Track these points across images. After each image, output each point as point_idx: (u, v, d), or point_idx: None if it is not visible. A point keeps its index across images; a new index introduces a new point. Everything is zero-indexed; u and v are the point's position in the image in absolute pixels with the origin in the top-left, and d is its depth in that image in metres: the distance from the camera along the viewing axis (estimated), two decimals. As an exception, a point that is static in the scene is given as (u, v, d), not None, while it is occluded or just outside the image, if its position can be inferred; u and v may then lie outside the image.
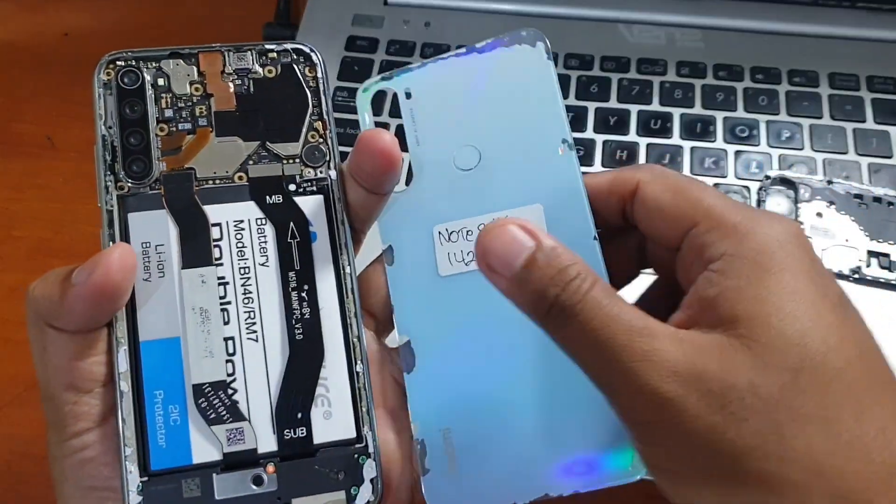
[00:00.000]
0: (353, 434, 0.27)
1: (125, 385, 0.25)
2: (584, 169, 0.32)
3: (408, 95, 0.31)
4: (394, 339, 0.29)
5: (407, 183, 0.30)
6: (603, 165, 0.45)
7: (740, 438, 0.22)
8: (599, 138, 0.45)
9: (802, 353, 0.22)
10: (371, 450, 0.27)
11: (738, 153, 0.45)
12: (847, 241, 0.41)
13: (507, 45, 0.30)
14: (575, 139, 0.46)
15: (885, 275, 0.40)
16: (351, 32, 0.50)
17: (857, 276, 0.40)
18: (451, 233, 0.29)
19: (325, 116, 0.29)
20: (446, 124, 0.30)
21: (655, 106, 0.46)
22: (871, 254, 0.40)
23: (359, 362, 0.27)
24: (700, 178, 0.42)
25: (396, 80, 0.31)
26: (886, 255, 0.40)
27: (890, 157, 0.44)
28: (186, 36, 0.55)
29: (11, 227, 0.48)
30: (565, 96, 0.47)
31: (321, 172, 0.28)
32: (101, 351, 0.26)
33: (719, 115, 0.46)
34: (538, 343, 0.27)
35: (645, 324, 0.23)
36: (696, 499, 0.24)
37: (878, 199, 0.42)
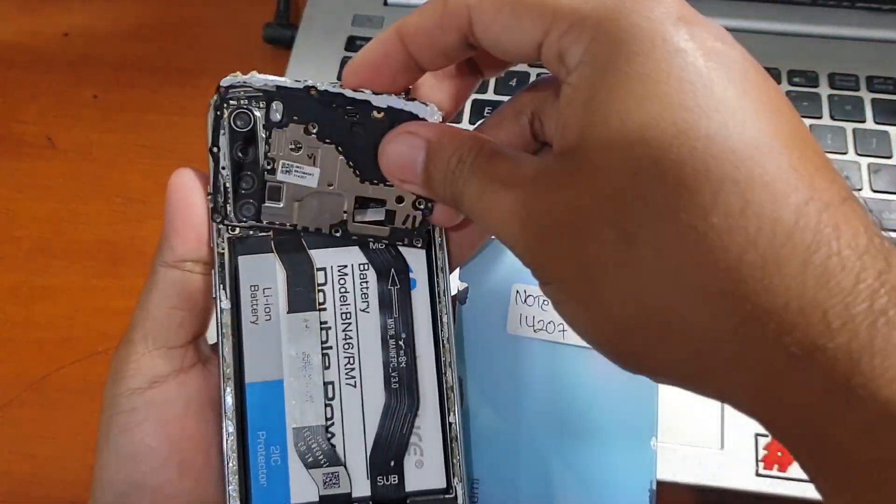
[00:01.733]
0: (444, 484, 0.27)
1: (231, 425, 0.26)
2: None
3: None
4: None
5: None
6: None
7: (589, 253, 0.20)
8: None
9: (641, 154, 0.19)
10: (460, 501, 0.27)
11: (737, 153, 0.45)
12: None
13: None
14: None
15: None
16: (351, 32, 0.50)
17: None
18: (529, 296, 0.30)
19: None
20: None
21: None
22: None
23: (452, 413, 0.27)
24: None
25: None
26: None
27: (890, 158, 0.44)
28: (187, 36, 0.56)
29: (11, 227, 0.48)
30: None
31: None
32: (197, 306, 0.27)
33: (719, 116, 0.46)
34: (580, 424, 0.29)
35: (506, 174, 0.22)
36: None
37: None
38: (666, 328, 0.20)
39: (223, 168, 0.26)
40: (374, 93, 0.25)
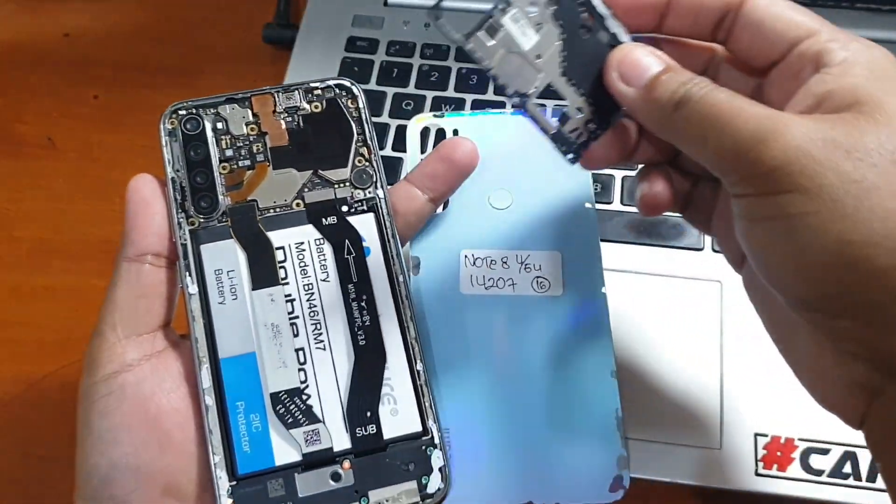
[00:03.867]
0: (420, 428, 0.29)
1: (210, 399, 0.28)
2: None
3: (454, 133, 0.35)
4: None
5: (444, 208, 0.34)
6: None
7: (866, 179, 0.23)
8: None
9: None
10: (437, 441, 0.29)
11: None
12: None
13: None
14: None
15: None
16: (351, 33, 0.50)
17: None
18: (477, 259, 0.33)
19: (370, 142, 0.31)
20: (486, 167, 0.33)
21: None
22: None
23: (418, 361, 0.29)
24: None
25: (447, 119, 0.35)
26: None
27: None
28: (187, 36, 0.56)
29: (11, 227, 0.48)
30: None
31: (370, 193, 0.31)
32: (161, 294, 0.29)
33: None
34: (540, 366, 0.32)
35: (770, 109, 0.24)
36: (807, 267, 0.24)
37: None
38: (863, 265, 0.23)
39: (178, 170, 0.30)
40: (613, 16, 0.27)
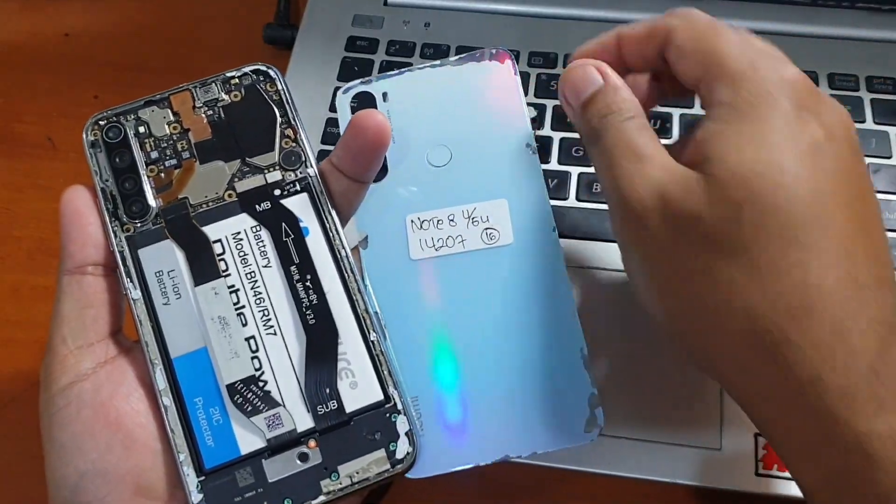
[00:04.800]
0: (381, 396, 0.29)
1: (167, 400, 0.28)
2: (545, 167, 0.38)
3: (384, 97, 0.34)
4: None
5: (382, 178, 0.33)
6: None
7: (684, 257, 0.26)
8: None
9: (749, 189, 0.25)
10: (400, 406, 0.29)
11: (737, 153, 0.45)
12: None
13: (477, 61, 0.34)
14: (576, 139, 0.46)
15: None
16: (351, 33, 0.50)
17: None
18: (423, 221, 0.33)
19: (294, 122, 0.32)
20: (421, 125, 0.33)
21: (656, 107, 0.46)
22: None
23: (372, 332, 0.30)
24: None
25: (375, 84, 0.34)
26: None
27: (889, 158, 0.44)
28: (187, 36, 0.56)
29: (11, 227, 0.48)
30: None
31: (301, 173, 0.31)
32: (106, 303, 0.29)
33: (719, 116, 0.46)
34: (500, 318, 0.32)
35: (646, 151, 0.28)
36: (653, 302, 0.28)
37: None
38: (716, 334, 0.26)
39: (106, 180, 0.30)
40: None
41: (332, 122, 0.46)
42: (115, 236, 0.30)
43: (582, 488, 0.38)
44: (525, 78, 0.47)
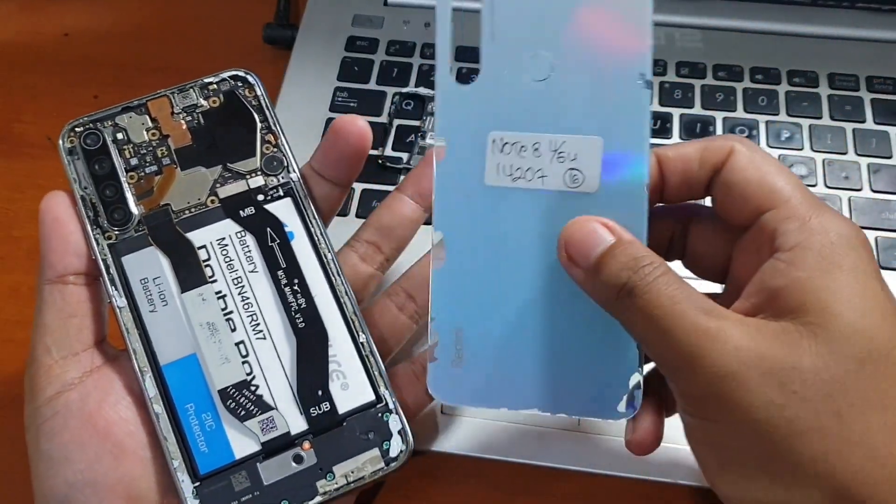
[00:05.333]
0: (373, 397, 0.29)
1: (158, 407, 0.28)
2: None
3: None
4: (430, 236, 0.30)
5: (468, 80, 0.29)
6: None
7: (798, 418, 0.22)
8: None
9: (870, 345, 0.23)
10: (392, 406, 0.29)
11: (737, 153, 0.45)
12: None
13: None
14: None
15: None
16: (351, 33, 0.50)
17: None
18: (505, 144, 0.29)
19: (274, 127, 0.31)
20: (527, 25, 0.28)
21: (655, 106, 0.46)
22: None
23: (361, 333, 0.30)
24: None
25: None
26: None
27: (889, 158, 0.44)
28: (187, 36, 0.56)
29: (11, 227, 0.48)
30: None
31: (283, 178, 0.31)
32: (89, 312, 0.29)
33: (719, 116, 0.46)
34: (560, 274, 0.28)
35: (712, 307, 0.24)
36: (743, 482, 0.24)
37: None
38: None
39: (85, 187, 0.30)
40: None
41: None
42: (98, 244, 0.29)
43: (582, 488, 0.38)
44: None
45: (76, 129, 0.30)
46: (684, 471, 0.36)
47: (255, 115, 0.31)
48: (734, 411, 0.23)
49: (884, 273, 0.27)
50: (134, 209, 0.30)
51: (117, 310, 0.29)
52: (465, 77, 0.29)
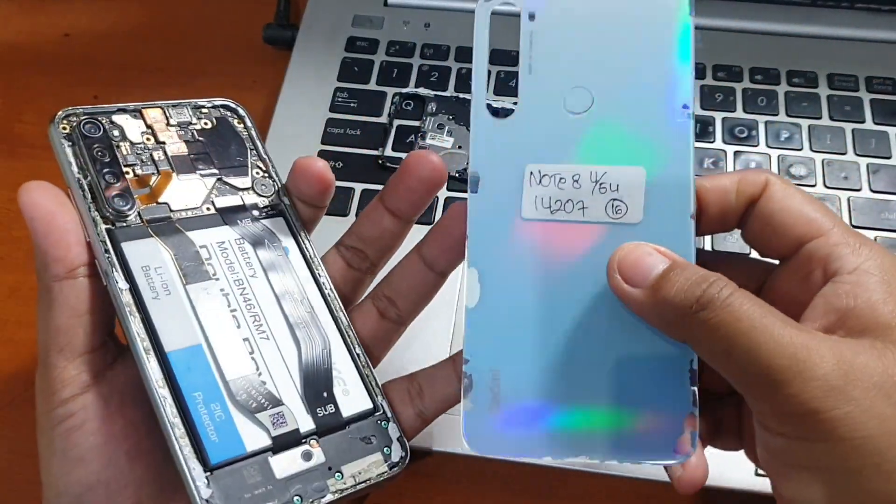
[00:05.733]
0: (371, 405, 0.30)
1: (164, 391, 0.27)
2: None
3: (531, 17, 0.29)
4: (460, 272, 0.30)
5: (506, 115, 0.28)
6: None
7: None
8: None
9: None
10: (389, 415, 0.30)
11: (737, 153, 0.45)
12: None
13: None
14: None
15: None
16: (351, 33, 0.50)
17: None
18: (544, 176, 0.28)
19: (264, 156, 0.32)
20: (565, 59, 0.28)
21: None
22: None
23: (355, 346, 0.31)
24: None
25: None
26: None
27: (889, 158, 0.44)
28: (187, 36, 0.56)
29: (11, 227, 0.48)
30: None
31: (274, 200, 0.32)
32: (99, 306, 0.28)
33: (718, 116, 0.46)
34: (608, 306, 0.27)
35: (796, 325, 0.23)
36: (848, 501, 0.23)
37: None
38: None
39: (85, 173, 0.29)
40: None
41: (332, 123, 0.46)
42: (96, 226, 0.28)
43: (581, 488, 0.38)
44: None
45: (71, 117, 0.30)
46: (684, 471, 0.36)
47: (247, 142, 0.32)
48: (841, 427, 0.22)
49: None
50: (134, 200, 0.29)
51: (118, 291, 0.27)
52: (500, 111, 0.29)
